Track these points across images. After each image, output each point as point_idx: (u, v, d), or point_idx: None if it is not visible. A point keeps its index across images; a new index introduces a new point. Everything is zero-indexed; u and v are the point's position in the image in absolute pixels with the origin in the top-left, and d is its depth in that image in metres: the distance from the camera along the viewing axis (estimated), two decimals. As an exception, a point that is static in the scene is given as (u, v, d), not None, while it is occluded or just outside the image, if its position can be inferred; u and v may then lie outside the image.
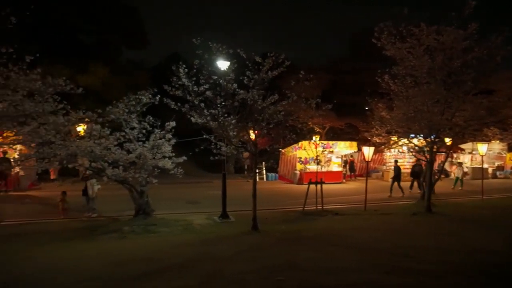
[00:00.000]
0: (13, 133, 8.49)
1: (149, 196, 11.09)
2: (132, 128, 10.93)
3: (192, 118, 8.73)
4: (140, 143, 10.86)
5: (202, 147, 9.34)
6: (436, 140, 11.91)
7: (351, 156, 22.80)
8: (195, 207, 13.27)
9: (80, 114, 9.74)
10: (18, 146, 12.12)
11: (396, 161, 17.39)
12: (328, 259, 6.50)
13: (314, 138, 18.91)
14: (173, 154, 10.82)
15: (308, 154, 19.26)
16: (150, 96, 10.92)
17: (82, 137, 10.65)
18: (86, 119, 10.48)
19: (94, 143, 9.93)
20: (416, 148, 12.79)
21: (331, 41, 78.77)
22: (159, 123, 10.96)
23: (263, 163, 21.84)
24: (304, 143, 18.93)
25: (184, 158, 10.97)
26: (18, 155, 14.43)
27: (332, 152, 21.26)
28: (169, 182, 14.66)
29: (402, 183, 16.28)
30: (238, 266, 5.76)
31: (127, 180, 10.42)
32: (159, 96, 10.85)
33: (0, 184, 13.10)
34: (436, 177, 13.83)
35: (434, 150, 12.00)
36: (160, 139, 10.72)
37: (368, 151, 13.27)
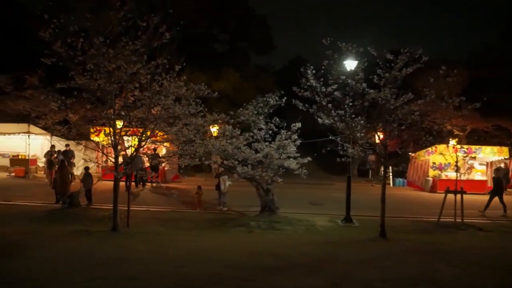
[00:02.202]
0: (163, 132, 9.90)
1: (274, 194, 11.56)
2: (260, 129, 11.55)
3: (319, 119, 8.72)
4: (267, 143, 11.41)
5: (328, 149, 9.24)
6: None
7: (504, 164, 19.15)
8: (317, 208, 13.22)
9: (215, 116, 10.76)
10: (165, 144, 14.14)
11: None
12: (472, 279, 5.68)
13: (452, 141, 16.76)
14: (298, 155, 11.03)
15: (446, 160, 17.21)
16: (277, 98, 11.40)
17: (216, 137, 11.77)
18: (219, 121, 11.57)
19: (226, 143, 10.87)
20: None
21: (471, 31, 68.76)
22: (285, 124, 11.33)
23: (390, 167, 20.40)
24: (441, 147, 16.97)
25: (309, 159, 11.05)
26: (165, 152, 16.81)
27: (474, 158, 18.52)
28: (292, 181, 14.94)
29: None
30: (367, 272, 5.51)
31: (255, 177, 11.05)
32: (285, 98, 11.26)
33: (154, 176, 15.48)
34: None
35: None
36: (286, 139, 11.05)
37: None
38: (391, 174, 21.17)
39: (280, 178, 11.03)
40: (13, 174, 16.81)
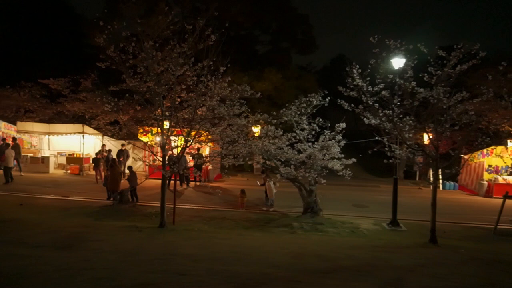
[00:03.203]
0: (207, 133, 10.12)
1: (317, 195, 11.42)
2: (302, 129, 11.48)
3: (365, 120, 8.49)
4: (310, 143, 11.31)
5: (375, 149, 8.97)
6: None
7: None
8: (362, 211, 12.88)
9: (258, 116, 10.82)
10: (208, 144, 14.45)
11: None
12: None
13: (511, 143, 15.59)
14: (342, 156, 10.82)
15: (504, 162, 16.11)
16: (320, 98, 11.25)
17: (257, 138, 11.83)
18: (261, 121, 11.62)
19: (269, 143, 10.90)
20: None
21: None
22: (329, 125, 11.16)
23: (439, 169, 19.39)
24: (498, 148, 15.89)
25: (354, 160, 10.81)
26: (208, 151, 17.19)
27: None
28: (335, 183, 14.71)
29: None
30: (419, 280, 5.26)
31: (297, 178, 11.00)
32: (329, 98, 11.08)
33: (198, 175, 15.86)
34: None
35: None
36: (330, 140, 10.88)
37: None
38: (440, 176, 20.18)
39: (324, 179, 10.90)
40: (69, 171, 18.00)
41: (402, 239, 9.26)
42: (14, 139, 16.69)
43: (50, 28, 26.14)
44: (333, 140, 10.82)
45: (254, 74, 22.91)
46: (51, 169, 18.04)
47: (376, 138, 9.06)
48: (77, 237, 7.43)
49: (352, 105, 8.70)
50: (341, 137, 10.78)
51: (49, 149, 19.24)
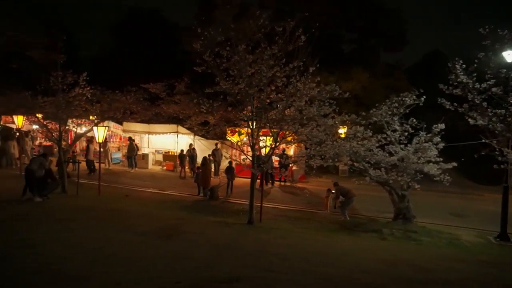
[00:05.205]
0: (293, 133, 10.15)
1: (410, 201, 10.67)
2: (394, 131, 10.83)
3: (470, 120, 7.69)
4: (402, 145, 10.61)
5: (482, 153, 8.07)
6: None
7: None
8: (461, 221, 11.67)
9: (346, 117, 10.51)
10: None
11: None
12: None
13: None
14: (440, 159, 9.93)
15: None
16: (414, 97, 10.48)
17: (343, 139, 11.47)
18: (347, 121, 11.24)
19: (357, 144, 10.50)
20: None
21: None
22: (424, 125, 10.35)
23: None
24: None
25: (454, 164, 9.85)
26: (293, 152, 17.28)
27: None
28: (429, 189, 13.60)
29: None
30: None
31: (388, 182, 10.41)
32: (424, 97, 10.27)
33: (284, 175, 16.14)
34: None
35: None
36: (426, 142, 10.08)
37: None
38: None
39: (417, 184, 10.14)
40: (165, 167, 19.67)
41: (514, 256, 8.19)
42: (130, 138, 18.89)
43: (150, 38, 29.01)
44: (429, 142, 10.00)
45: (341, 74, 22.32)
46: (150, 165, 19.94)
47: (483, 140, 8.14)
48: (175, 228, 8.08)
49: (455, 104, 7.95)
50: (439, 139, 9.90)
51: (148, 147, 21.28)
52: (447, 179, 9.76)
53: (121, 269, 5.05)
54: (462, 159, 10.02)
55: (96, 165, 15.31)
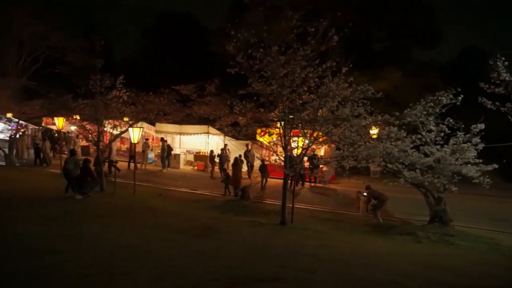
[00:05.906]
0: (325, 134, 10.08)
1: (447, 203, 10.34)
2: (429, 131, 10.52)
3: (513, 120, 7.37)
4: (438, 146, 10.29)
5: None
6: None
7: None
8: (503, 225, 11.16)
9: (379, 117, 10.32)
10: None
11: None
12: None
13: None
14: (480, 161, 9.55)
15: None
16: (451, 96, 10.13)
17: (376, 139, 11.25)
18: (379, 122, 11.02)
19: (391, 145, 10.27)
20: None
21: None
22: (462, 126, 9.99)
23: None
24: None
25: (495, 166, 9.46)
26: (323, 153, 17.16)
27: None
28: (467, 191, 13.08)
29: None
30: None
31: (424, 184, 10.13)
32: (462, 96, 9.91)
33: (316, 176, 16.12)
34: None
35: None
36: (464, 143, 9.72)
37: None
38: None
39: (455, 187, 9.80)
40: (195, 167, 20.06)
41: None
42: (162, 139, 19.41)
43: (181, 41, 29.72)
44: (468, 143, 9.64)
45: (372, 73, 21.90)
46: (181, 165, 20.40)
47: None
48: (209, 227, 8.26)
49: (497, 103, 7.64)
50: (479, 140, 9.52)
51: (179, 147, 21.77)
52: (486, 182, 9.37)
53: (158, 265, 5.23)
54: (504, 161, 9.56)
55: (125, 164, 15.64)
